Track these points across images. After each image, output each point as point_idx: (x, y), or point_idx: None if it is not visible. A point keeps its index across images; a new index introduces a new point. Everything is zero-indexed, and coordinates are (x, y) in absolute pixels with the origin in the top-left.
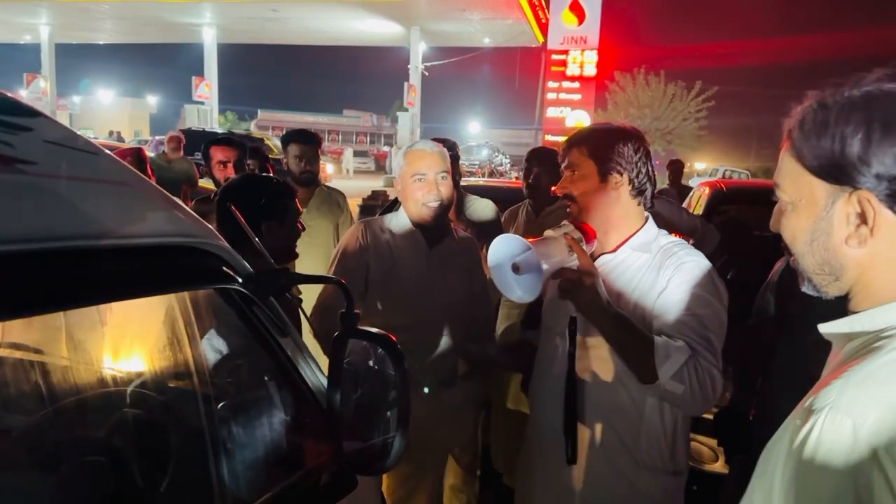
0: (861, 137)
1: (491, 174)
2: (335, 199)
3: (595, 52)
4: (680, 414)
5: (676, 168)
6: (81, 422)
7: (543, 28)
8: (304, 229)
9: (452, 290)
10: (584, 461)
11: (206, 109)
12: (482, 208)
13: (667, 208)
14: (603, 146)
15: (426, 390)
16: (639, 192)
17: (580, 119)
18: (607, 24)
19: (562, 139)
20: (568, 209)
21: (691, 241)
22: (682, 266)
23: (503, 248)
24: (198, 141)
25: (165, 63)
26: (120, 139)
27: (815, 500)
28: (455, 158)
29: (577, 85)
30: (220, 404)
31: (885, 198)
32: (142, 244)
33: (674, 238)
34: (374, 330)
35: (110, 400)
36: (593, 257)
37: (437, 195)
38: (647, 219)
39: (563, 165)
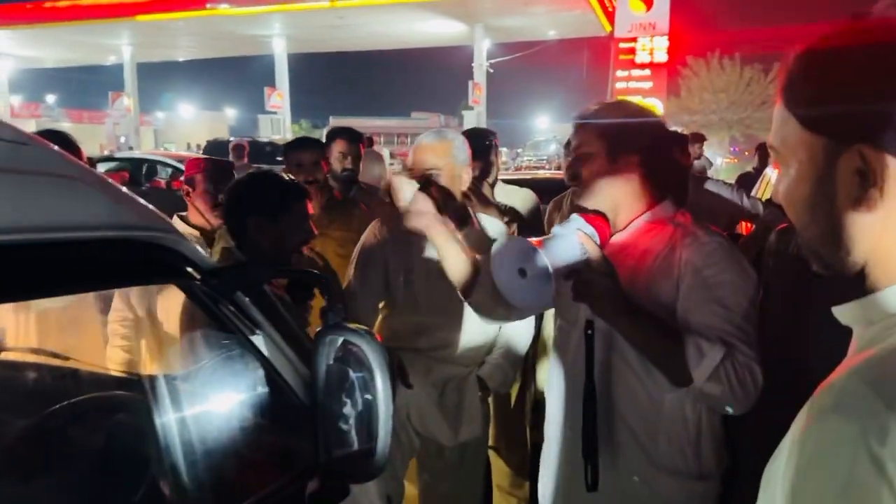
0: (858, 78)
1: (559, 168)
2: (375, 199)
3: (665, 37)
4: (705, 411)
5: (763, 152)
6: (41, 427)
7: (610, 17)
8: (313, 235)
9: None
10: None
11: (279, 119)
12: (520, 199)
13: (727, 192)
14: (613, 124)
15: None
16: (654, 172)
17: (654, 107)
18: (677, 9)
19: None
20: (575, 194)
21: (751, 226)
22: (701, 249)
23: (507, 253)
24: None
25: (241, 76)
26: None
27: None
28: (489, 148)
29: (647, 73)
30: (189, 408)
31: (894, 149)
32: (85, 238)
33: (694, 217)
34: (356, 326)
35: (70, 405)
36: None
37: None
38: (663, 196)
39: (571, 147)
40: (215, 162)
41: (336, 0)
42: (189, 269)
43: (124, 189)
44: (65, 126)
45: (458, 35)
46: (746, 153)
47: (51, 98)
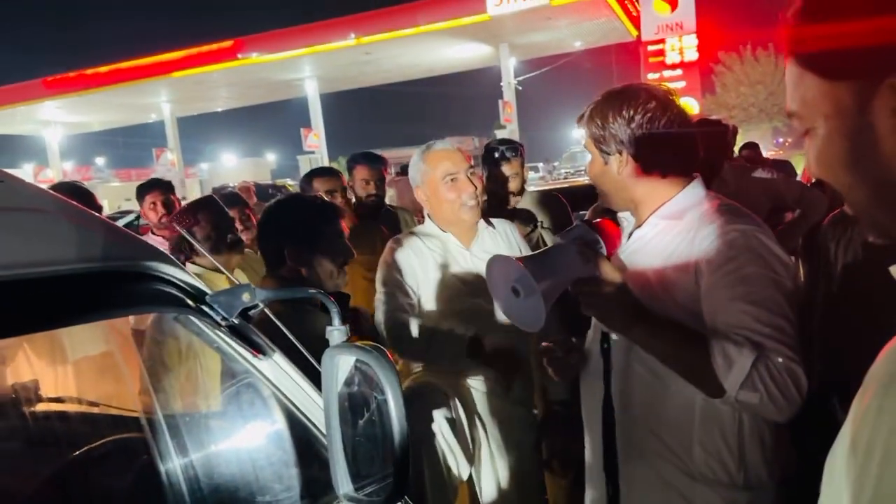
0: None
1: None
2: (404, 219)
3: (693, 35)
4: (747, 415)
5: None
6: (33, 463)
7: (635, 21)
8: (352, 254)
9: None
10: (626, 474)
11: (317, 158)
12: (545, 202)
13: (769, 176)
14: (596, 124)
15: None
16: (657, 161)
17: (688, 106)
18: (703, 6)
19: None
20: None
21: (796, 212)
22: (721, 240)
23: (497, 272)
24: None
25: (278, 120)
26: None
27: None
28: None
29: (679, 73)
30: (204, 446)
31: None
32: (61, 272)
33: (723, 202)
34: (364, 343)
35: (59, 442)
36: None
37: (473, 192)
38: (686, 183)
39: None
40: (202, 203)
41: (361, 37)
42: (181, 297)
43: (104, 218)
44: (114, 185)
45: (485, 57)
46: (787, 143)
47: (100, 160)
